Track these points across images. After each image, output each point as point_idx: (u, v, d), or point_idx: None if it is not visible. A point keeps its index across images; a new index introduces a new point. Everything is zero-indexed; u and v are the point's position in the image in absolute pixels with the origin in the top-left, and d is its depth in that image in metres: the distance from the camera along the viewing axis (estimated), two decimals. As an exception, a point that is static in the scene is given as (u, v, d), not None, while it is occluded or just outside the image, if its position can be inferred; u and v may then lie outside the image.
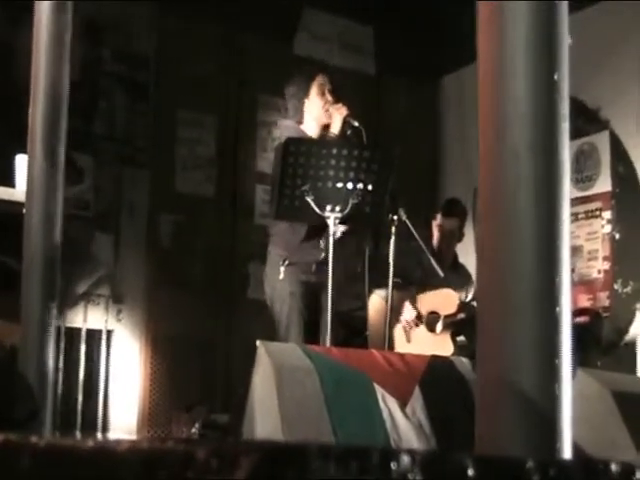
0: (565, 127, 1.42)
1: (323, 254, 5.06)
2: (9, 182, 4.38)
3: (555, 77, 1.41)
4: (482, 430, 1.40)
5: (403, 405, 3.50)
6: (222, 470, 0.85)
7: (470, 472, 0.95)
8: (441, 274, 5.60)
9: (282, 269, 5.07)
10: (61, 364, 6.14)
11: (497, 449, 1.32)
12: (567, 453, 1.33)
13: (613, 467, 1.07)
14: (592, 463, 1.09)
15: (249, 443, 0.87)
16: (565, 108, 1.43)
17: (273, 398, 3.25)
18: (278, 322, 5.10)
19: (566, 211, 1.40)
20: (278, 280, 5.07)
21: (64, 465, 1.02)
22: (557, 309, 1.36)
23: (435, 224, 6.02)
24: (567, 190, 1.41)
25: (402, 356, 3.92)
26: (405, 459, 0.91)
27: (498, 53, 1.44)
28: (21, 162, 4.24)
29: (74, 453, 1.01)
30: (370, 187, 4.86)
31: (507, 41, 1.43)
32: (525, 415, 1.32)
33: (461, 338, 5.71)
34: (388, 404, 3.47)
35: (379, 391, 3.49)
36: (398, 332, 5.59)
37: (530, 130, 1.41)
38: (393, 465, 0.90)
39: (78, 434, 6.07)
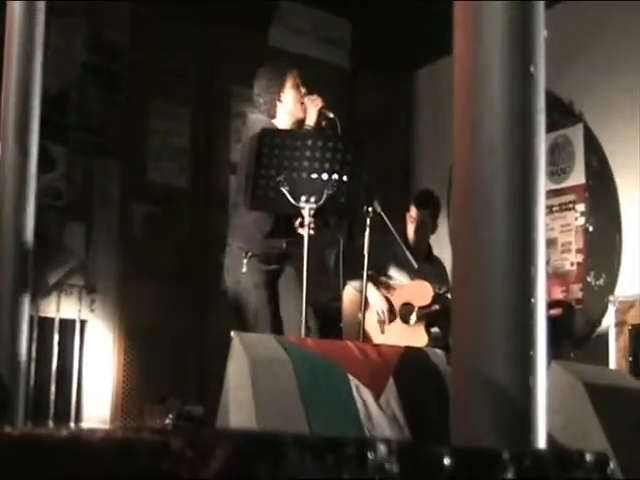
0: (541, 120, 1.42)
1: (284, 246, 5.09)
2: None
3: (531, 69, 1.41)
4: (457, 421, 1.40)
5: (377, 396, 3.51)
6: (197, 460, 0.84)
7: (446, 462, 0.95)
8: (415, 265, 5.61)
9: (245, 261, 5.07)
10: (34, 354, 6.11)
11: (472, 440, 1.33)
12: (541, 444, 1.33)
13: (588, 457, 1.07)
14: (567, 454, 1.09)
15: (224, 433, 0.86)
16: (541, 101, 1.43)
17: (248, 389, 3.25)
18: (245, 314, 5.09)
19: (541, 204, 1.40)
20: (241, 273, 5.07)
21: (38, 455, 1.01)
22: (532, 301, 1.36)
23: (408, 215, 6.01)
24: (542, 183, 1.41)
25: (376, 347, 3.94)
26: (382, 449, 0.91)
27: (474, 47, 1.44)
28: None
29: (48, 443, 1.01)
30: (345, 178, 4.86)
31: (483, 34, 1.43)
32: (500, 407, 1.33)
33: (435, 329, 5.72)
34: (362, 395, 3.48)
35: (353, 382, 3.50)
36: (372, 323, 5.60)
37: (506, 124, 1.41)
38: (370, 455, 0.90)
39: (51, 424, 6.04)
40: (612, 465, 1.11)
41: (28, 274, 2.57)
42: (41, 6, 2.66)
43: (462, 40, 1.46)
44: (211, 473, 0.82)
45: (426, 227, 6.01)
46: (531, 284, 1.38)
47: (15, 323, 2.48)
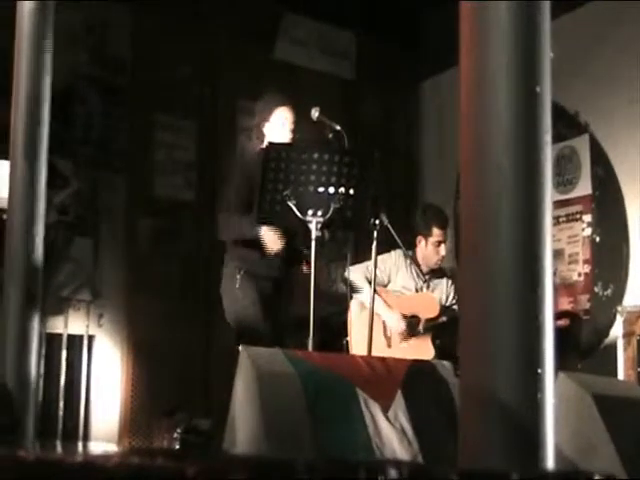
0: (547, 140, 1.42)
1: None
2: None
3: (537, 90, 1.41)
4: (465, 439, 1.40)
5: (385, 409, 3.50)
6: None
7: None
8: (421, 276, 5.64)
9: (238, 277, 5.09)
10: (42, 370, 6.11)
11: (480, 459, 1.33)
12: (549, 462, 1.33)
13: (596, 479, 1.07)
14: (574, 475, 1.09)
15: (238, 460, 0.87)
16: (547, 121, 1.43)
17: (255, 403, 3.25)
18: (242, 332, 5.10)
19: (548, 222, 1.40)
20: (238, 290, 5.09)
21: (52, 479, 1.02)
22: (539, 318, 1.36)
23: (429, 239, 5.90)
24: (549, 202, 1.42)
25: (383, 360, 3.92)
26: (392, 473, 0.91)
27: (480, 68, 1.44)
28: (3, 168, 4.23)
29: (63, 468, 1.01)
30: (352, 191, 4.86)
31: (489, 55, 1.43)
32: (507, 424, 1.33)
33: (442, 341, 5.71)
34: (370, 409, 3.47)
35: (361, 396, 3.49)
36: (379, 337, 5.59)
37: (512, 144, 1.41)
38: (380, 479, 0.91)
39: (60, 441, 6.04)
40: None
41: (37, 291, 2.57)
42: (49, 30, 2.68)
43: (468, 61, 1.46)
44: None
45: (445, 245, 5.95)
46: (538, 302, 1.38)
47: (24, 341, 2.49)
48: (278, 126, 5.38)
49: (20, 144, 2.62)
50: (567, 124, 7.08)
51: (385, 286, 5.82)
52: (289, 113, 5.42)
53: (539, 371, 1.36)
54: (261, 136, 5.38)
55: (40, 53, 2.62)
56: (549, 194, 1.42)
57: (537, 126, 1.42)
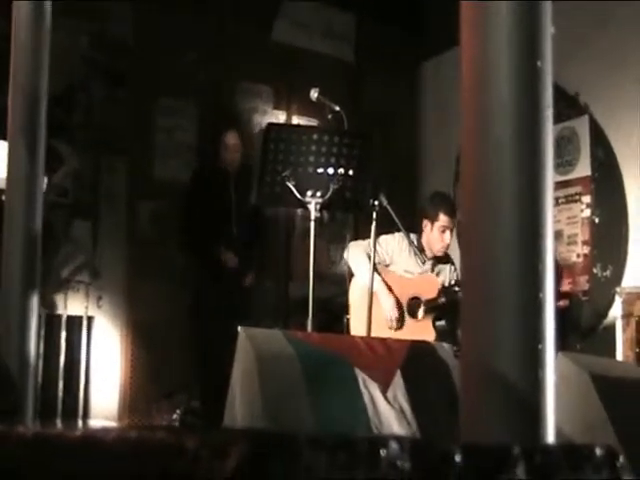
0: (549, 115, 1.42)
1: None
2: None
3: (538, 64, 1.41)
4: (466, 416, 1.40)
5: (384, 390, 3.50)
6: (212, 460, 0.85)
7: (457, 459, 0.96)
8: (424, 260, 5.64)
9: None
10: (42, 351, 6.12)
11: (481, 435, 1.33)
12: (550, 438, 1.34)
13: (597, 452, 1.07)
14: (576, 448, 1.09)
15: (239, 433, 0.87)
16: (549, 96, 1.43)
17: (254, 384, 3.25)
18: None
19: (549, 199, 1.40)
20: None
21: (51, 455, 1.02)
22: (540, 295, 1.36)
23: (439, 225, 5.88)
24: (550, 178, 1.41)
25: (383, 341, 3.92)
26: (394, 446, 0.91)
27: (481, 43, 1.44)
28: (1, 149, 4.22)
29: (62, 443, 1.01)
30: (351, 172, 4.86)
31: (490, 31, 1.43)
32: (508, 401, 1.33)
33: (442, 323, 5.71)
34: (369, 389, 3.47)
35: (360, 376, 3.49)
36: (379, 317, 5.59)
37: (513, 119, 1.41)
38: (382, 452, 0.91)
39: (60, 421, 6.05)
40: (621, 459, 1.11)
41: (36, 272, 2.57)
42: (48, 7, 2.67)
43: (469, 36, 1.46)
44: (226, 473, 0.82)
45: (450, 233, 5.92)
46: (539, 279, 1.37)
47: (23, 321, 2.49)
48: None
49: (18, 124, 2.61)
50: (567, 105, 7.07)
51: (387, 266, 5.82)
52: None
53: (540, 347, 1.36)
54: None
55: (38, 34, 2.61)
56: (550, 170, 1.42)
57: (538, 101, 1.42)
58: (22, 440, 1.03)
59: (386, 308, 5.62)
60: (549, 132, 1.43)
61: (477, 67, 1.46)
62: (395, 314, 5.62)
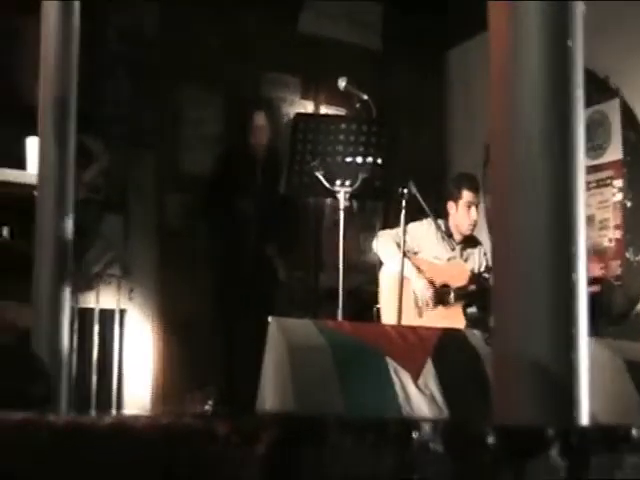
0: (580, 95, 1.41)
1: None
2: (20, 164, 4.40)
3: (569, 44, 1.40)
4: (499, 401, 1.40)
5: (415, 378, 3.50)
6: (243, 445, 0.85)
7: (490, 440, 0.95)
8: (454, 246, 5.63)
9: None
10: (75, 345, 6.16)
11: (514, 419, 1.32)
12: (584, 420, 1.33)
13: (634, 432, 1.07)
14: (612, 429, 1.09)
15: (268, 417, 0.87)
16: (579, 76, 1.42)
17: (286, 374, 3.26)
18: None
19: (581, 181, 1.39)
20: None
21: (82, 443, 1.03)
22: (573, 277, 1.36)
23: (464, 202, 5.86)
24: (582, 160, 1.40)
25: (414, 329, 3.93)
26: (426, 428, 0.91)
27: (510, 22, 1.43)
28: (32, 144, 4.25)
29: (92, 431, 1.02)
30: (379, 161, 4.86)
31: (519, 10, 1.41)
32: (541, 384, 1.32)
33: (472, 310, 5.69)
34: (401, 377, 3.48)
35: (391, 364, 3.49)
36: (410, 306, 5.58)
37: (543, 100, 1.40)
38: (414, 434, 0.91)
39: (94, 413, 6.09)
40: None
41: (67, 266, 2.59)
42: (76, 4, 2.68)
43: (497, 17, 1.44)
44: (257, 458, 0.83)
45: (477, 209, 5.92)
46: (572, 261, 1.36)
47: (55, 315, 2.51)
48: None
49: (49, 121, 2.63)
50: (597, 89, 7.01)
51: (415, 254, 5.81)
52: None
53: (572, 331, 1.35)
54: None
55: (67, 30, 2.63)
56: (582, 152, 1.41)
57: (569, 81, 1.40)
58: (52, 428, 1.04)
59: (419, 288, 5.62)
60: (580, 113, 1.42)
61: (506, 48, 1.45)
62: (429, 294, 5.61)
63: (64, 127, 2.63)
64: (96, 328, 6.48)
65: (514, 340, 1.38)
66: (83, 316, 6.40)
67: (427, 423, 0.92)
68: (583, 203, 1.40)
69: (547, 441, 0.99)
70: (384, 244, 5.72)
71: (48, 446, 1.04)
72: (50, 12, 2.72)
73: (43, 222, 2.58)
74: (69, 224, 2.57)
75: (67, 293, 2.54)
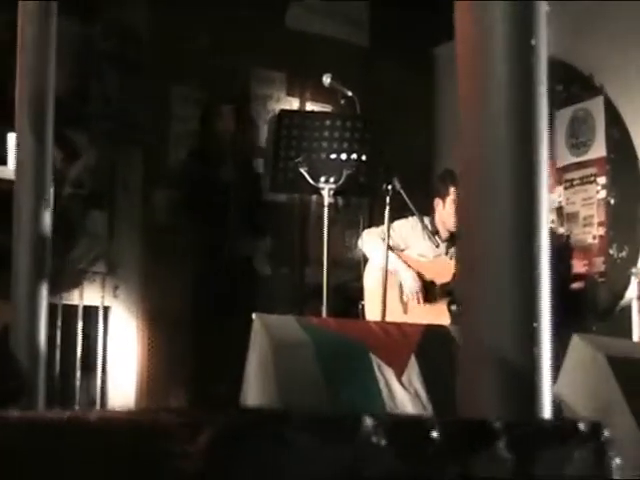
0: (543, 91, 1.42)
1: None
2: (2, 160, 4.39)
3: (532, 42, 1.41)
4: (463, 395, 1.41)
5: (399, 374, 3.51)
6: (185, 438, 0.86)
7: (435, 434, 0.96)
8: (439, 243, 5.63)
9: None
10: (58, 341, 6.15)
11: (477, 410, 1.33)
12: (547, 413, 1.34)
13: (581, 426, 1.07)
14: (560, 423, 1.09)
15: (211, 411, 0.88)
16: (543, 73, 1.43)
17: (269, 371, 3.27)
18: None
19: (544, 175, 1.39)
20: None
21: (39, 437, 1.03)
22: (535, 272, 1.36)
23: (451, 200, 5.84)
24: (545, 154, 1.41)
25: (398, 325, 3.94)
26: (368, 423, 0.92)
27: (475, 22, 1.44)
28: (13, 140, 4.24)
29: (47, 425, 1.02)
30: (364, 157, 4.86)
31: (484, 9, 1.43)
32: (505, 378, 1.33)
33: (457, 307, 5.69)
34: (384, 374, 3.49)
35: (375, 361, 3.50)
36: (395, 302, 5.59)
37: (508, 96, 1.41)
38: (357, 428, 0.91)
39: (77, 409, 6.08)
40: (607, 433, 1.11)
41: (46, 262, 2.58)
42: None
43: (463, 15, 1.46)
44: (199, 451, 0.83)
45: None
46: (534, 255, 1.37)
47: (33, 310, 2.50)
48: None
49: (26, 116, 2.62)
50: (582, 86, 7.03)
51: (402, 251, 5.81)
52: None
53: (535, 325, 1.36)
54: None
55: (45, 22, 2.62)
56: (545, 147, 1.42)
57: (532, 78, 1.41)
58: (15, 424, 1.04)
59: (407, 282, 5.62)
60: (544, 108, 1.43)
61: (471, 47, 1.47)
62: (418, 285, 5.61)
63: (42, 122, 2.63)
64: (80, 325, 6.46)
65: (478, 335, 1.38)
66: (67, 313, 6.38)
67: (369, 418, 0.92)
68: (546, 199, 1.41)
69: (493, 434, 0.99)
70: (369, 241, 5.72)
71: (7, 442, 1.05)
72: (28, 8, 2.71)
73: (21, 217, 2.58)
74: (47, 219, 2.56)
75: (45, 289, 2.54)
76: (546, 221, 1.40)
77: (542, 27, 1.42)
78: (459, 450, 0.97)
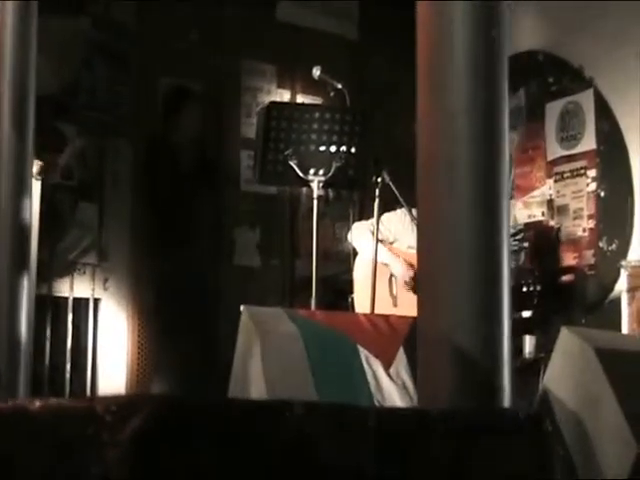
0: (503, 84, 1.41)
1: None
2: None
3: (493, 34, 1.40)
4: (423, 386, 1.41)
5: (387, 367, 3.52)
6: (116, 424, 0.86)
7: (371, 423, 0.96)
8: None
9: None
10: (48, 333, 6.14)
11: (437, 399, 1.33)
12: (506, 403, 1.33)
13: (521, 415, 1.08)
14: (500, 413, 1.09)
15: (140, 398, 0.89)
16: (504, 64, 1.42)
17: (257, 363, 3.27)
18: None
19: (505, 168, 1.39)
20: None
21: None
22: (496, 265, 1.36)
23: None
24: (506, 145, 1.41)
25: (386, 318, 3.94)
26: (299, 411, 0.92)
27: (435, 13, 1.44)
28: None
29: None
30: (353, 150, 4.86)
31: (445, 3, 1.43)
32: (463, 369, 1.33)
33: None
34: (372, 366, 3.49)
35: (363, 353, 3.51)
36: (384, 295, 5.59)
37: (468, 87, 1.41)
38: (287, 416, 0.92)
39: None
40: (548, 424, 1.11)
41: (27, 253, 2.57)
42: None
43: (424, 8, 1.46)
44: (127, 434, 0.84)
45: None
46: (495, 251, 1.37)
47: (13, 301, 2.49)
48: None
49: (6, 108, 2.61)
50: (571, 79, 7.03)
51: (391, 243, 5.82)
52: None
53: (495, 320, 1.36)
54: None
55: (26, 15, 2.60)
56: (506, 137, 1.42)
57: (493, 69, 1.41)
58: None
59: (399, 271, 5.62)
60: (504, 98, 1.42)
61: (431, 38, 1.47)
62: (410, 274, 5.62)
63: (23, 111, 2.61)
64: (70, 317, 6.45)
65: (438, 328, 1.38)
66: (57, 305, 6.37)
67: (301, 406, 0.93)
68: (508, 194, 1.41)
69: (429, 423, 1.00)
70: (359, 234, 5.72)
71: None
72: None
73: (1, 209, 2.56)
74: (28, 209, 2.55)
75: (27, 280, 2.53)
76: (507, 217, 1.39)
77: (505, 19, 1.41)
78: (396, 438, 0.97)
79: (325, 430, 0.93)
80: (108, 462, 0.86)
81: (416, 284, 5.57)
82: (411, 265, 5.65)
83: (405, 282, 5.63)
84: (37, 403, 0.98)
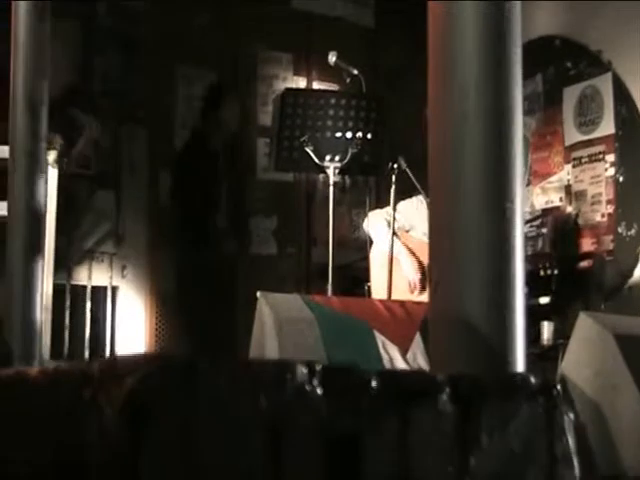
0: (517, 60, 1.40)
1: None
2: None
3: (507, 7, 1.39)
4: (435, 361, 1.40)
5: (404, 352, 3.51)
6: (111, 384, 0.87)
7: (373, 384, 0.96)
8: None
9: None
10: (67, 322, 6.16)
11: (448, 366, 1.33)
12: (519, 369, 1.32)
13: (532, 381, 1.06)
14: (508, 378, 1.08)
15: (134, 359, 0.89)
16: (517, 40, 1.40)
17: (274, 349, 3.27)
18: None
19: (518, 146, 1.37)
20: None
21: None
22: (509, 242, 1.35)
23: None
24: (519, 123, 1.39)
25: (402, 304, 3.93)
26: (302, 371, 0.92)
27: (448, 14, 1.43)
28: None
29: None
30: (369, 136, 4.84)
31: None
32: (475, 345, 1.32)
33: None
34: (389, 351, 3.48)
35: (379, 339, 3.50)
36: (401, 282, 5.57)
37: (479, 65, 1.39)
38: (288, 377, 0.91)
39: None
40: (559, 389, 1.10)
41: (41, 239, 2.57)
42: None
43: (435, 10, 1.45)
44: (122, 396, 0.85)
45: None
46: (507, 225, 1.36)
47: (27, 288, 2.49)
48: None
49: (20, 94, 2.60)
50: (589, 63, 6.97)
51: (407, 232, 5.79)
52: None
53: (508, 292, 1.35)
54: None
55: (39, 8, 2.60)
56: (519, 113, 1.40)
57: (505, 42, 1.39)
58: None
59: (408, 272, 5.60)
60: (518, 75, 1.40)
61: (442, 14, 1.45)
62: (417, 277, 5.59)
63: (36, 97, 2.61)
64: (88, 305, 6.47)
65: (449, 302, 1.37)
66: (75, 293, 6.39)
67: (303, 366, 0.92)
68: (520, 164, 1.39)
69: (435, 387, 0.99)
70: (375, 223, 5.70)
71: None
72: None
73: (14, 195, 2.56)
74: (42, 196, 2.55)
75: (41, 267, 2.53)
76: (520, 193, 1.38)
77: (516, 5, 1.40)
78: (398, 400, 0.97)
79: (325, 391, 0.93)
80: (104, 423, 0.86)
81: (422, 287, 5.56)
82: (420, 265, 5.63)
83: (409, 284, 5.59)
84: (35, 370, 0.99)
